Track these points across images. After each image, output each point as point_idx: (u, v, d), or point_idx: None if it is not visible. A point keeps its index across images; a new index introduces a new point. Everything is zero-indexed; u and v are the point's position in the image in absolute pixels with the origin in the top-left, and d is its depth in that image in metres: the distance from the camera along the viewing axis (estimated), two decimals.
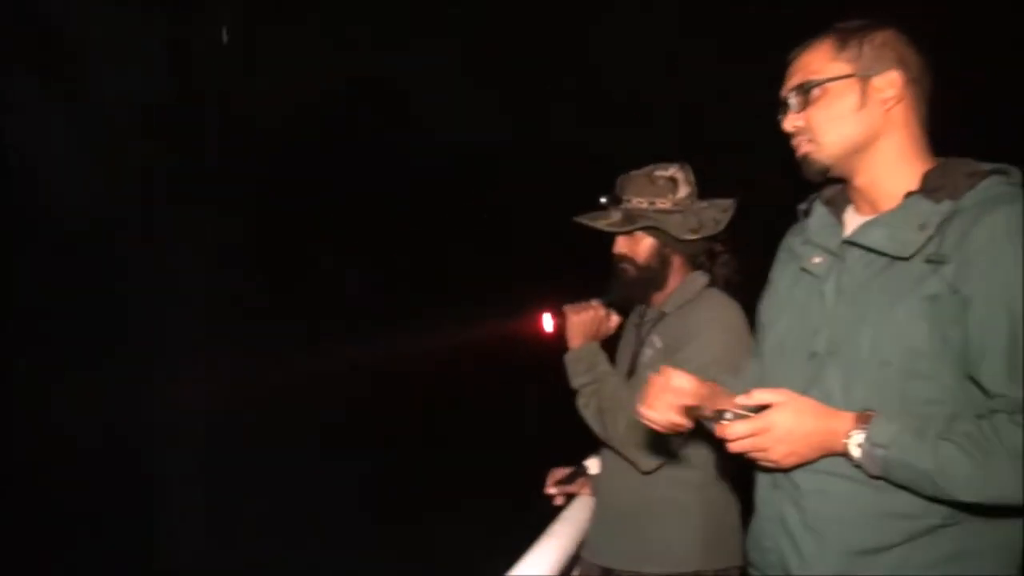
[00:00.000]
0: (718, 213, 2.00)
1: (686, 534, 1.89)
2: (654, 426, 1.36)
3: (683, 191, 2.01)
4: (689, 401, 1.34)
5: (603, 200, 2.03)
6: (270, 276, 7.91)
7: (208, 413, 6.29)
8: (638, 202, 1.99)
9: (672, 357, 1.84)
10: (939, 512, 1.20)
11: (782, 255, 1.53)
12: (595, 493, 2.15)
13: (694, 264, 2.04)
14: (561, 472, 2.30)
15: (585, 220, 2.03)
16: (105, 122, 5.94)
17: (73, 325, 5.95)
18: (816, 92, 1.30)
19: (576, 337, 2.07)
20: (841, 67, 1.30)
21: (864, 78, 1.29)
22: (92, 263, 6.00)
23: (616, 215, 2.01)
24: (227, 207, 7.06)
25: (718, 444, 1.31)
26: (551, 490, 2.27)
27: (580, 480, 2.27)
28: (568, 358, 2.07)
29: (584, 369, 2.02)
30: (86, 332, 5.96)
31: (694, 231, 1.97)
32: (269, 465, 5.99)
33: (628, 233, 2.02)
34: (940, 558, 1.21)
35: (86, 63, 5.82)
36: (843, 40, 1.31)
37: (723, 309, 1.94)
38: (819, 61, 1.31)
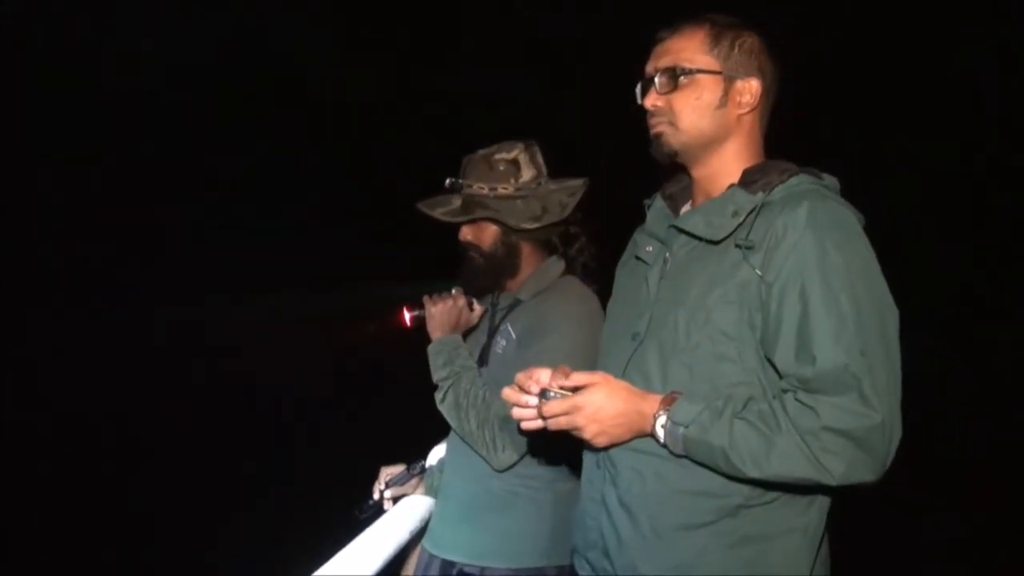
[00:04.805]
0: (565, 197, 1.91)
1: (534, 528, 1.81)
2: (528, 427, 1.33)
3: (527, 174, 1.91)
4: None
5: (448, 183, 1.93)
6: None
7: None
8: (479, 187, 1.90)
9: (527, 351, 1.79)
10: (741, 492, 1.25)
11: (628, 249, 1.59)
12: (435, 484, 2.05)
13: (548, 248, 1.97)
14: (392, 470, 2.17)
15: (424, 208, 1.91)
16: None
17: None
18: (684, 79, 1.35)
19: (436, 329, 1.97)
20: (711, 62, 1.35)
21: (729, 79, 1.36)
22: None
23: (456, 202, 1.91)
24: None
25: (569, 439, 1.32)
26: (385, 493, 2.12)
27: (414, 480, 2.17)
28: (428, 351, 1.96)
29: (443, 363, 1.92)
30: None
31: (536, 218, 1.87)
32: None
33: (469, 222, 1.93)
34: (744, 538, 1.26)
35: None
36: (717, 35, 1.36)
37: (578, 300, 1.87)
38: (691, 50, 1.36)
